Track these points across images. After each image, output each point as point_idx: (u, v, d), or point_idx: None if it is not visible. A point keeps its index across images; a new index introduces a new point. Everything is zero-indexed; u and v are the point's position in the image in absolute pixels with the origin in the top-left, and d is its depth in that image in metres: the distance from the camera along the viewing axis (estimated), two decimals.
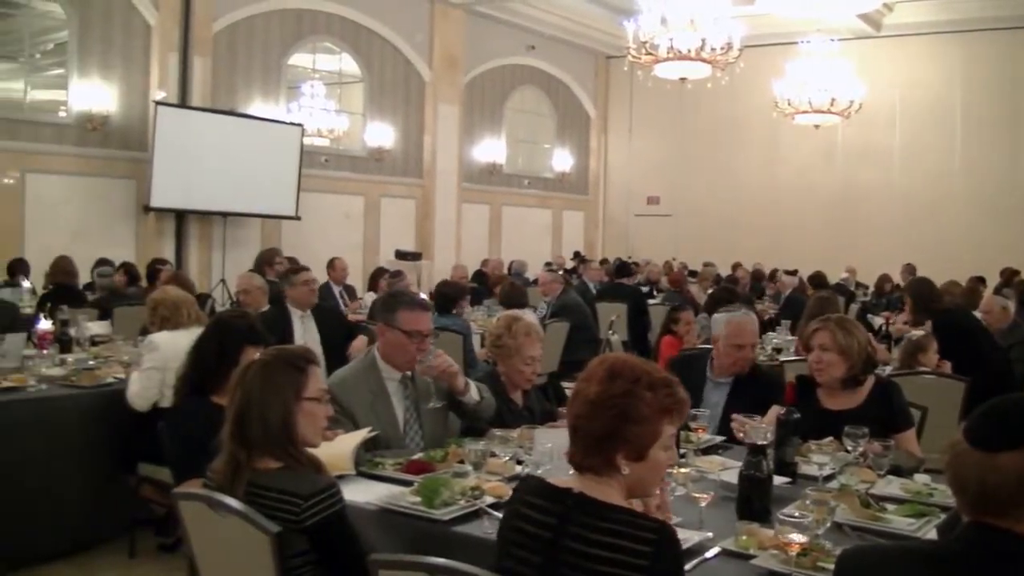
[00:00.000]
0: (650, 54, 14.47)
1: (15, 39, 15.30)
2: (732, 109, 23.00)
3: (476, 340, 9.65)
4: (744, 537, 3.25)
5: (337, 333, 8.50)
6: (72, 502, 6.05)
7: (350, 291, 13.51)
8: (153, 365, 5.87)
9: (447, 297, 9.74)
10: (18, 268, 12.52)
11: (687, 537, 3.11)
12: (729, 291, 10.43)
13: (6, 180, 14.59)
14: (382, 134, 20.05)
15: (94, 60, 15.40)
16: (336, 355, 7.95)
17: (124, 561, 6.08)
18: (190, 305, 6.43)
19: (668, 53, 14.29)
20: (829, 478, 4.02)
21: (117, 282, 11.57)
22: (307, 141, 17.94)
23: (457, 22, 21.15)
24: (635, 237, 25.77)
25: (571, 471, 2.81)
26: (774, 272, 18.26)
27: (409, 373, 4.82)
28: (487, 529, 3.36)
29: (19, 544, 5.71)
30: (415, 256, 19.23)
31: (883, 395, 4.85)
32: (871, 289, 17.86)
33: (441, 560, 2.70)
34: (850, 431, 4.18)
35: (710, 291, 12.17)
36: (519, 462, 4.08)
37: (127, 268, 12.23)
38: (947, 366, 7.11)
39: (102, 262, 12.17)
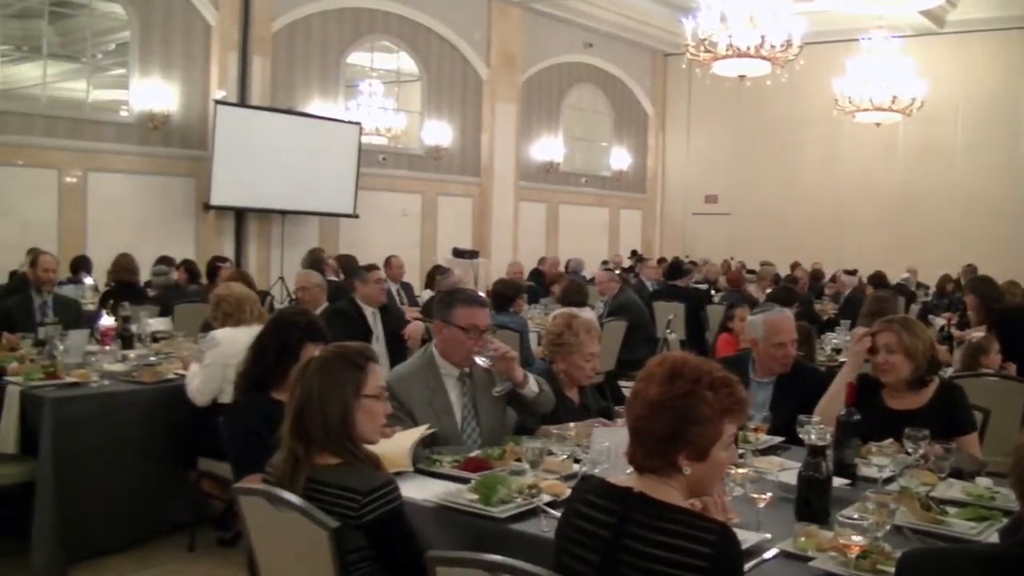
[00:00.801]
0: (709, 51, 14.36)
1: (77, 39, 15.54)
2: (792, 107, 22.82)
3: (532, 338, 9.66)
4: (803, 539, 3.22)
5: (399, 331, 8.57)
6: (133, 496, 6.13)
7: (407, 289, 13.56)
8: (214, 360, 5.93)
9: (504, 295, 9.75)
10: (81, 265, 12.69)
11: (745, 538, 3.09)
12: (788, 291, 10.36)
13: (69, 179, 14.81)
14: (439, 132, 20.11)
15: (155, 60, 15.59)
16: (399, 353, 8.02)
17: (184, 555, 6.14)
18: (253, 302, 6.49)
19: (727, 50, 14.16)
20: (889, 480, 3.96)
21: (178, 279, 11.72)
22: (365, 139, 18.03)
23: (514, 20, 21.17)
24: (693, 236, 25.66)
25: (629, 470, 2.81)
26: (834, 272, 18.11)
27: (467, 369, 4.84)
28: (544, 527, 3.35)
29: (81, 536, 5.78)
30: (472, 254, 19.28)
31: (947, 397, 4.78)
32: (932, 290, 17.64)
33: (498, 557, 2.70)
34: (911, 433, 4.11)
35: (768, 291, 12.07)
36: (576, 460, 4.07)
37: (187, 265, 12.36)
38: (1012, 368, 7.00)
39: (162, 260, 12.31)
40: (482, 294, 8.59)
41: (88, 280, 12.05)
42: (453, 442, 4.59)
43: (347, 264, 12.53)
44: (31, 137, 14.34)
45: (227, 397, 5.74)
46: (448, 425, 4.66)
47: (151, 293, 11.33)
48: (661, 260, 20.16)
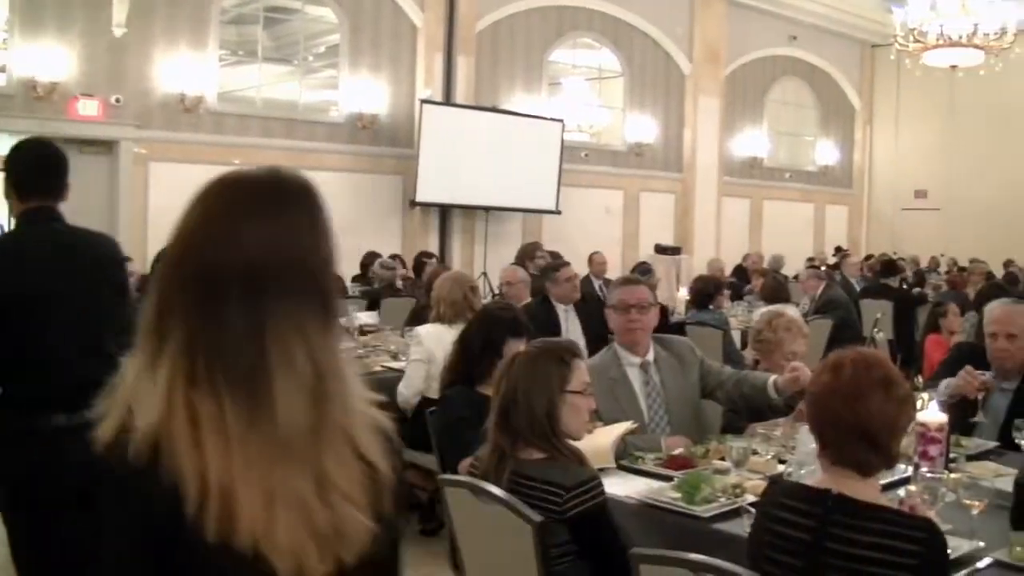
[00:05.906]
0: (919, 41, 13.98)
1: (290, 43, 16.11)
2: (1006, 97, 21.78)
3: (737, 336, 9.54)
4: (1018, 548, 3.09)
5: (601, 326, 8.55)
6: None
7: (609, 285, 13.58)
8: (418, 357, 6.05)
9: (704, 292, 9.66)
10: None
11: (957, 546, 3.00)
12: (998, 287, 9.95)
13: None
14: (642, 128, 20.02)
15: (364, 61, 16.01)
16: (599, 348, 8.02)
17: None
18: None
19: (938, 40, 13.75)
20: None
21: (398, 275, 12.01)
22: (567, 136, 18.10)
23: (718, 14, 20.90)
24: (901, 232, 24.86)
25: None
26: None
27: (650, 358, 4.85)
28: (747, 528, 3.32)
29: None
30: (674, 251, 19.12)
31: None
32: None
33: (702, 557, 2.69)
34: None
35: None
36: (781, 461, 4.01)
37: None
38: None
39: (392, 256, 12.70)
40: (684, 291, 8.51)
41: None
42: (639, 431, 4.57)
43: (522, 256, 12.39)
44: (248, 137, 14.92)
45: (434, 393, 5.80)
46: (633, 414, 4.66)
47: (359, 288, 11.67)
48: (868, 257, 19.63)
